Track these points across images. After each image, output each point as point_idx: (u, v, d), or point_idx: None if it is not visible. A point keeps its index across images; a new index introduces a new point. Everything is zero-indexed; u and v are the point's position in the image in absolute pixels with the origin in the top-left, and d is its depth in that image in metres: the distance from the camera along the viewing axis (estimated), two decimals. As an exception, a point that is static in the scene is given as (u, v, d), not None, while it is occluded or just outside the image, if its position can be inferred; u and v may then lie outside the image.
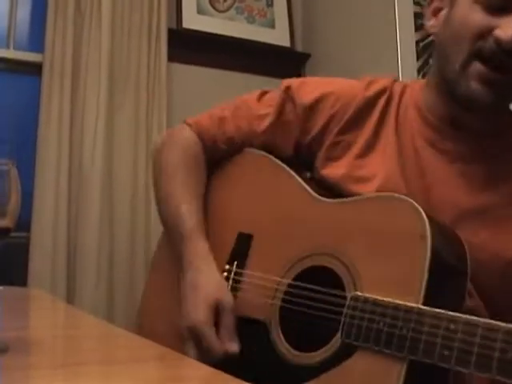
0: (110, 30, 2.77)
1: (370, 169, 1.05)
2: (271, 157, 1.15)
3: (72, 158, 2.68)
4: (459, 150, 1.00)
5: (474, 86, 0.90)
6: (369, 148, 1.06)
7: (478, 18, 0.90)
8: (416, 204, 0.86)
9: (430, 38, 2.63)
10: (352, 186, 1.04)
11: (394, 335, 0.81)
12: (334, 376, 0.87)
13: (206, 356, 0.99)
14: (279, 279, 1.01)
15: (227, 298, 1.03)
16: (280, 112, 1.16)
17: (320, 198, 1.02)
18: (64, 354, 0.84)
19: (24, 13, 2.94)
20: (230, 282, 1.10)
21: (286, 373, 0.95)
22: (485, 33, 0.89)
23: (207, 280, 1.05)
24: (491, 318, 0.92)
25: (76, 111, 2.71)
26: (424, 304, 0.81)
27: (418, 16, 2.70)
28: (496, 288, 0.94)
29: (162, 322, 1.19)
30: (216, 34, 3.12)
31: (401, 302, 0.82)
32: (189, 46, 3.08)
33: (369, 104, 1.09)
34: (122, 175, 2.76)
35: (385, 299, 0.84)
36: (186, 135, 1.23)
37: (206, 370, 0.73)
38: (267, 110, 1.17)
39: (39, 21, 2.78)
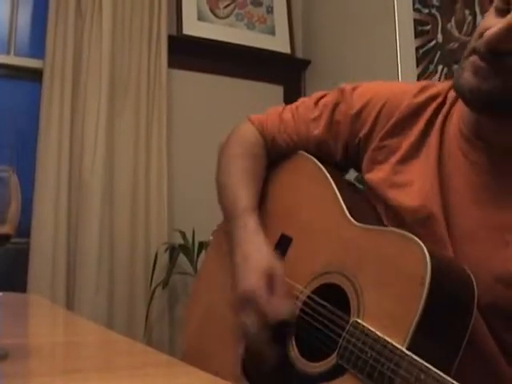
0: (110, 36, 2.78)
1: (409, 175, 1.05)
2: (320, 164, 1.18)
3: (72, 164, 2.68)
4: (487, 163, 0.99)
5: (466, 74, 0.92)
6: (411, 154, 1.07)
7: (488, 20, 0.91)
8: (425, 249, 0.89)
9: (430, 45, 2.64)
10: (388, 190, 1.06)
11: (376, 370, 0.86)
12: None
13: (260, 321, 1.02)
14: (302, 289, 1.06)
15: (278, 264, 1.07)
16: (333, 113, 1.18)
17: (350, 218, 1.06)
18: (63, 361, 0.84)
19: (25, 19, 2.95)
20: None
21: (290, 376, 1.01)
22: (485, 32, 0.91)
23: (258, 250, 1.09)
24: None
25: (76, 117, 2.71)
26: (411, 344, 0.84)
27: (417, 22, 2.71)
28: (491, 308, 0.94)
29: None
30: (216, 41, 3.13)
31: (389, 340, 0.86)
32: (189, 53, 3.09)
33: (416, 110, 1.08)
34: (122, 181, 2.76)
35: (378, 333, 0.88)
36: (248, 130, 1.29)
37: (206, 377, 0.73)
38: (321, 112, 1.21)
39: (40, 27, 2.79)
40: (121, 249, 2.73)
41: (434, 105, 1.07)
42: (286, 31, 3.36)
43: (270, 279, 1.04)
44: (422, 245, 0.89)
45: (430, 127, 1.06)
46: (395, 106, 1.10)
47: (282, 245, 1.16)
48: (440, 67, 2.58)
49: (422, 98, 1.09)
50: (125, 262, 2.72)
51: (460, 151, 1.01)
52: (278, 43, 3.31)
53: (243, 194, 1.19)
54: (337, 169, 1.20)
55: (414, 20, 2.72)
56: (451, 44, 2.54)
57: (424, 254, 0.88)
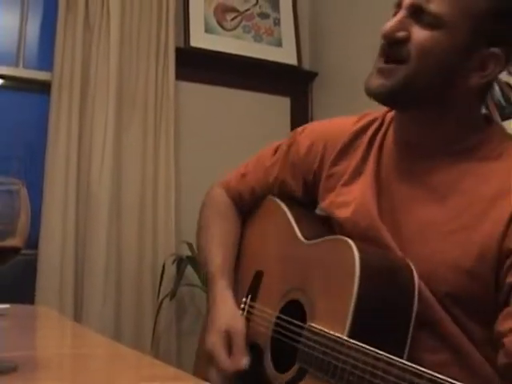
0: (118, 48, 2.79)
1: (351, 195, 1.15)
2: (280, 202, 1.31)
3: (80, 176, 2.69)
4: (412, 165, 1.08)
5: (372, 77, 1.03)
6: (354, 176, 1.17)
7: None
8: (354, 245, 0.99)
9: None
10: (335, 211, 1.16)
11: (325, 362, 0.95)
12: None
13: (221, 373, 1.15)
14: (271, 312, 1.18)
15: (238, 324, 1.20)
16: (287, 155, 1.31)
17: (303, 240, 1.18)
18: (71, 373, 0.84)
19: (33, 31, 2.97)
20: (245, 313, 1.28)
21: None
22: None
23: (223, 312, 1.23)
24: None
25: (84, 129, 2.72)
26: (351, 333, 0.93)
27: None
28: (450, 297, 0.99)
29: None
30: (223, 53, 3.14)
31: (332, 333, 0.95)
32: (196, 65, 3.10)
33: (356, 136, 1.19)
34: (130, 192, 2.77)
35: (325, 330, 0.97)
36: (217, 193, 1.45)
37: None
38: (278, 158, 1.33)
39: (48, 39, 2.80)
40: (128, 260, 2.73)
41: (371, 129, 1.19)
42: (293, 43, 3.37)
43: (229, 337, 1.17)
44: (352, 243, 1.00)
45: (370, 149, 1.17)
46: (337, 138, 1.21)
47: (257, 279, 1.29)
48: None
49: (360, 124, 1.21)
50: (132, 273, 2.73)
51: (393, 162, 1.12)
52: (285, 55, 3.32)
53: (214, 259, 1.33)
54: (300, 204, 1.31)
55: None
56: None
57: (352, 250, 0.98)
